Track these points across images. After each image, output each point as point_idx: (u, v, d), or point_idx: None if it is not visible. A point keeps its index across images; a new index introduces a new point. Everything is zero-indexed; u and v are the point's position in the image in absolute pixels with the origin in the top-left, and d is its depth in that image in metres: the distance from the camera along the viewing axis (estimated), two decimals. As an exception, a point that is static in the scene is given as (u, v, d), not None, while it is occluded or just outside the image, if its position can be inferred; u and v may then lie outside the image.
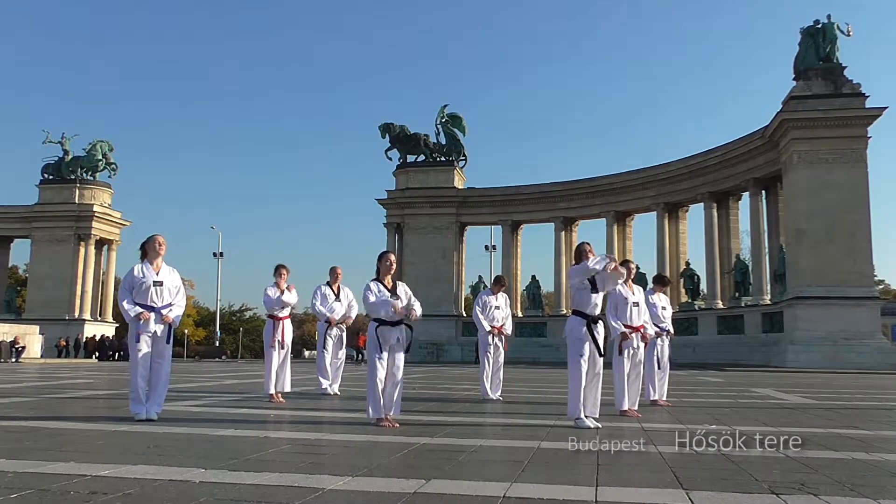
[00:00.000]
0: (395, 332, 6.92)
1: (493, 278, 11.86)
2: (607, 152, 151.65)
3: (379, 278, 7.09)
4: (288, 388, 10.23)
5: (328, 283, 11.25)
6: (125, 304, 7.30)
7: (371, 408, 6.84)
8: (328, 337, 11.15)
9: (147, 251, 7.46)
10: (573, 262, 7.44)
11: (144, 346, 7.26)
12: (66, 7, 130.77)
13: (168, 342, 7.42)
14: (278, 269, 10.26)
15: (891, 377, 23.18)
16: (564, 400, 7.21)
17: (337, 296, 11.18)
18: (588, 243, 7.38)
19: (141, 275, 7.34)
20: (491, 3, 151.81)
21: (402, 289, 7.11)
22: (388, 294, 6.95)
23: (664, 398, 9.90)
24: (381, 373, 6.82)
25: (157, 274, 7.38)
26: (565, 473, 4.41)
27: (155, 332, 7.30)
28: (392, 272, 7.11)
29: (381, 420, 6.74)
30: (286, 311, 10.33)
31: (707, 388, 14.62)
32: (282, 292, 10.21)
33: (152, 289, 7.33)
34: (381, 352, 6.83)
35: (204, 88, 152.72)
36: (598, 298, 7.19)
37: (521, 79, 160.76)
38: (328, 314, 11.02)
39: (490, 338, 10.89)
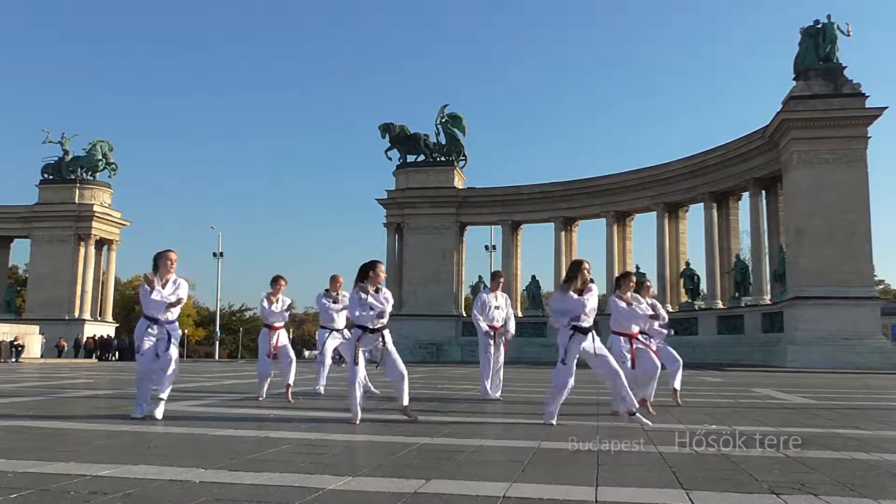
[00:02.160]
0: (374, 338, 7.25)
1: (490, 275, 11.88)
2: (607, 152, 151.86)
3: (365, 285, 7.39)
4: (291, 381, 10.25)
5: (327, 291, 11.25)
6: (138, 332, 7.64)
7: (352, 409, 7.11)
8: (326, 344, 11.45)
9: (158, 266, 7.65)
10: (565, 275, 7.29)
11: (149, 353, 7.52)
12: (66, 6, 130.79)
13: (167, 350, 7.59)
14: (275, 281, 10.31)
15: (891, 377, 23.17)
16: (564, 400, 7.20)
17: (336, 303, 11.32)
18: (587, 262, 7.13)
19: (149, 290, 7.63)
20: (491, 3, 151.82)
21: (382, 295, 7.30)
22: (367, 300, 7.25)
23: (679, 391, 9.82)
24: (361, 375, 7.13)
25: (165, 287, 7.58)
26: (565, 473, 4.41)
27: (158, 339, 7.57)
28: (379, 281, 7.40)
29: (356, 420, 7.02)
30: (281, 321, 10.36)
31: (707, 388, 14.61)
32: (276, 303, 10.27)
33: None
34: (358, 358, 7.14)
35: (204, 88, 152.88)
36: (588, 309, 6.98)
37: (521, 79, 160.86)
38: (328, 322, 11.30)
39: (488, 338, 10.87)
